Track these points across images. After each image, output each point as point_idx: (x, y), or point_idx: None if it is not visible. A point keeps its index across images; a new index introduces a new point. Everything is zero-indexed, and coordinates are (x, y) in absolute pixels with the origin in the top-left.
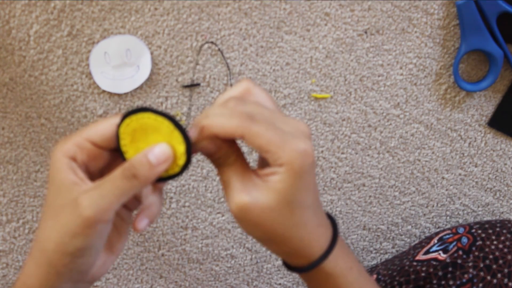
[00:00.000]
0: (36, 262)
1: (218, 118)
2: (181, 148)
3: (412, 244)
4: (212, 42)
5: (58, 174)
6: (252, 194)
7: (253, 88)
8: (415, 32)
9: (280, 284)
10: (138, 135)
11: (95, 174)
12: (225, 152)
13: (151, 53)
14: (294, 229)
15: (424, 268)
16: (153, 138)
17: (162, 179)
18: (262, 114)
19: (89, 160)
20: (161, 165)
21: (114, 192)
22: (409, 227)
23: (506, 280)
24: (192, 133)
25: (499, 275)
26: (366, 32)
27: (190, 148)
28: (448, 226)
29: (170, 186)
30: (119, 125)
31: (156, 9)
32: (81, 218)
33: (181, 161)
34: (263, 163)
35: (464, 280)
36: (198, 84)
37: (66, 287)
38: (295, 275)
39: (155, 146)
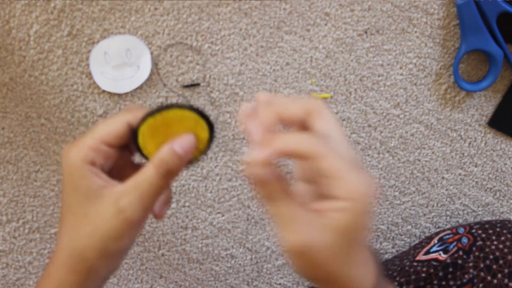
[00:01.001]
0: (71, 270)
1: (296, 136)
2: (206, 133)
3: (412, 244)
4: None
5: (83, 181)
6: (311, 234)
7: (324, 111)
8: (415, 32)
9: (280, 284)
10: (159, 130)
11: (106, 172)
12: (280, 184)
13: (151, 53)
14: (347, 268)
15: (424, 269)
16: (175, 130)
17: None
18: (331, 140)
19: (105, 161)
20: (188, 155)
21: (153, 191)
22: (409, 227)
23: (506, 280)
24: (259, 152)
25: (499, 275)
26: (366, 32)
27: (214, 134)
28: (448, 226)
29: (171, 186)
30: (140, 124)
31: (156, 9)
32: (127, 221)
33: (203, 146)
34: (315, 196)
35: (464, 281)
36: (198, 84)
37: (100, 286)
38: (295, 275)
39: (179, 138)
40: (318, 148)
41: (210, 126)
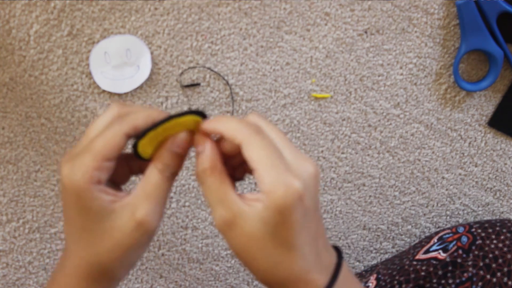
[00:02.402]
0: (92, 280)
1: (229, 118)
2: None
3: (412, 244)
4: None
5: (93, 201)
6: (238, 211)
7: (265, 125)
8: (415, 32)
9: None
10: (158, 136)
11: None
12: (214, 158)
13: (151, 53)
14: (278, 268)
15: (424, 267)
16: (174, 131)
17: None
18: (272, 136)
19: (108, 175)
20: (186, 150)
21: (163, 195)
22: (409, 226)
23: (505, 279)
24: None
25: (498, 274)
26: (366, 32)
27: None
28: (448, 226)
29: None
30: (140, 138)
31: (156, 9)
32: (148, 232)
33: None
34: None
35: (463, 279)
36: (198, 84)
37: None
38: None
39: (176, 138)
40: (248, 136)
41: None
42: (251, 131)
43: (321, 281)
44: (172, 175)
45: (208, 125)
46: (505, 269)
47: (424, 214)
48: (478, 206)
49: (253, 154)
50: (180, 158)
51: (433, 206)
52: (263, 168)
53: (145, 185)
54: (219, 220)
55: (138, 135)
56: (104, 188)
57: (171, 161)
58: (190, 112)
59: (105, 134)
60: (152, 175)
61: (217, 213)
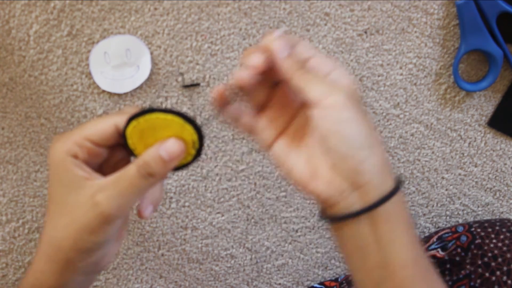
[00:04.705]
0: (50, 259)
1: (276, 35)
2: (193, 137)
3: None
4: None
5: (66, 172)
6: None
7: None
8: (415, 32)
9: (280, 284)
10: (147, 133)
11: (94, 168)
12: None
13: (151, 53)
14: (369, 145)
15: None
16: (162, 133)
17: (175, 168)
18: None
19: (89, 157)
20: (174, 160)
21: (132, 190)
22: None
23: (505, 278)
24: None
25: (498, 273)
26: (366, 32)
27: (203, 138)
28: (448, 226)
29: (170, 186)
30: (125, 127)
31: (156, 9)
32: (101, 216)
33: (193, 150)
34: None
35: (461, 276)
36: (198, 84)
37: (79, 279)
38: (295, 275)
39: (166, 142)
40: (300, 71)
41: (198, 131)
42: (300, 66)
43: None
44: (150, 175)
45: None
46: (505, 268)
47: (424, 214)
48: (478, 206)
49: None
50: (163, 163)
51: (432, 206)
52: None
53: (118, 175)
54: (344, 92)
55: (123, 125)
56: (80, 164)
57: (152, 162)
58: (172, 112)
59: (97, 119)
60: (130, 168)
61: (336, 89)
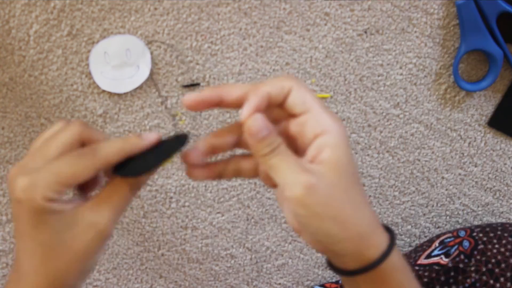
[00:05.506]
0: None
1: (268, 81)
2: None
3: (413, 247)
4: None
5: (52, 216)
6: (312, 176)
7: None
8: (415, 32)
9: (280, 284)
10: None
11: None
12: (275, 137)
13: (151, 53)
14: (358, 209)
15: (426, 273)
16: None
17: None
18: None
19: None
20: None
21: (126, 204)
22: (409, 227)
23: (509, 284)
24: (247, 109)
25: (502, 279)
26: (366, 32)
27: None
28: (448, 226)
29: (170, 186)
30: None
31: (156, 9)
32: (101, 235)
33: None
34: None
35: (466, 285)
36: (198, 84)
37: None
38: (295, 275)
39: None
40: (291, 82)
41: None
42: (294, 79)
43: (384, 235)
44: (140, 188)
45: (256, 92)
46: (508, 274)
47: (424, 214)
48: (478, 206)
49: (307, 95)
50: (147, 176)
51: (432, 206)
52: (318, 107)
53: (111, 195)
54: (300, 189)
55: (128, 173)
56: (60, 205)
57: (144, 180)
58: (174, 148)
59: (75, 163)
60: (121, 187)
61: (296, 182)
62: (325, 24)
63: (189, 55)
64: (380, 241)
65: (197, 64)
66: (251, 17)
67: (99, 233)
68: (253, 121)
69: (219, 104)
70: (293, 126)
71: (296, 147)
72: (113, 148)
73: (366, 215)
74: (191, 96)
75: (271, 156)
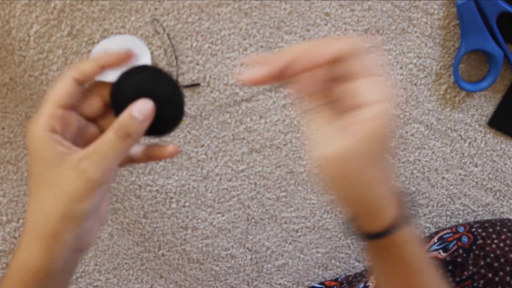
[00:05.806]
0: (37, 235)
1: (330, 38)
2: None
3: None
4: (155, 19)
5: (45, 149)
6: (345, 142)
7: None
8: (415, 32)
9: (280, 284)
10: None
11: (70, 139)
12: (318, 93)
13: (151, 53)
14: (377, 182)
15: None
16: None
17: (155, 133)
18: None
19: (64, 128)
20: (147, 119)
21: (114, 153)
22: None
23: (508, 278)
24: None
25: (501, 273)
26: (366, 32)
27: (182, 101)
28: (448, 226)
29: (170, 186)
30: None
31: (156, 9)
32: (88, 181)
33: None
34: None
35: (463, 277)
36: (198, 84)
37: (66, 256)
38: (295, 275)
39: (136, 103)
40: (352, 47)
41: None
42: (359, 42)
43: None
44: (128, 136)
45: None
46: (508, 268)
47: (424, 214)
48: (478, 206)
49: (368, 61)
50: (138, 122)
51: (433, 206)
52: (375, 76)
53: (98, 141)
54: (329, 156)
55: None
56: (59, 138)
57: (128, 123)
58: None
59: (55, 84)
60: (107, 133)
61: (327, 146)
62: (326, 24)
63: (189, 55)
64: (387, 216)
65: (197, 64)
66: (252, 17)
67: (86, 180)
68: (307, 80)
69: (281, 76)
70: (345, 86)
71: (340, 107)
72: (87, 62)
73: (379, 193)
74: (249, 74)
75: (310, 114)
